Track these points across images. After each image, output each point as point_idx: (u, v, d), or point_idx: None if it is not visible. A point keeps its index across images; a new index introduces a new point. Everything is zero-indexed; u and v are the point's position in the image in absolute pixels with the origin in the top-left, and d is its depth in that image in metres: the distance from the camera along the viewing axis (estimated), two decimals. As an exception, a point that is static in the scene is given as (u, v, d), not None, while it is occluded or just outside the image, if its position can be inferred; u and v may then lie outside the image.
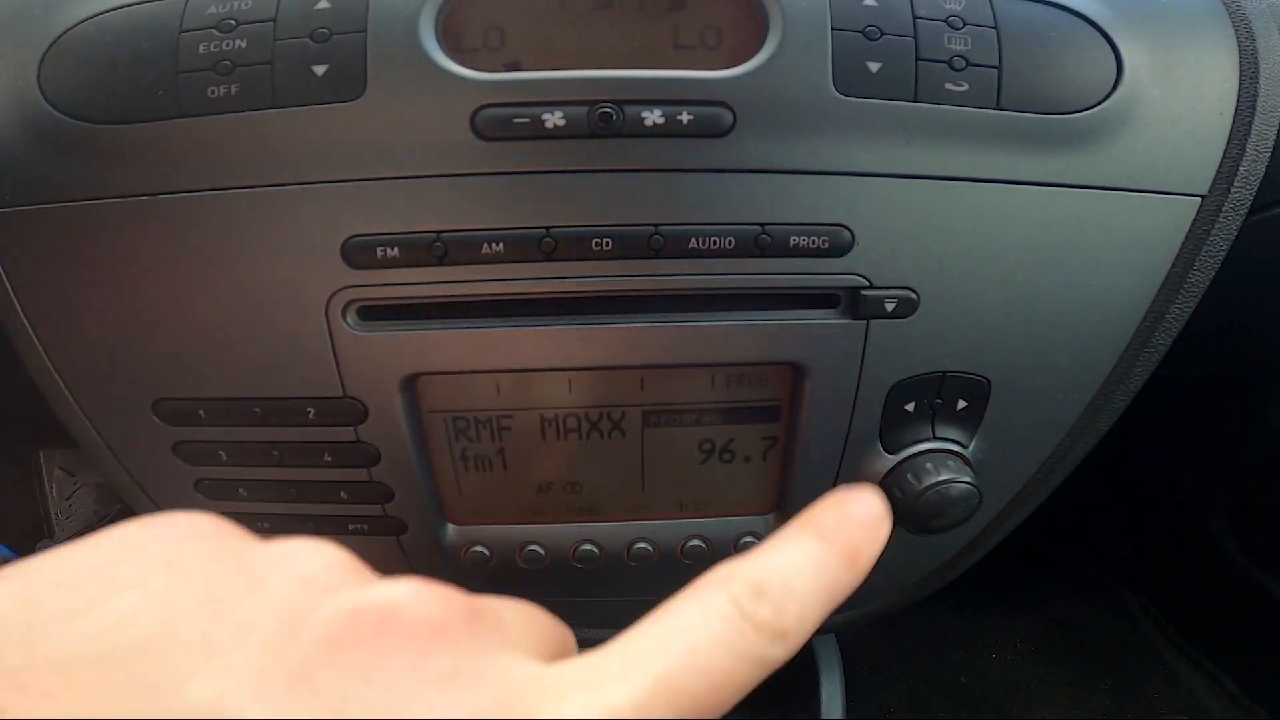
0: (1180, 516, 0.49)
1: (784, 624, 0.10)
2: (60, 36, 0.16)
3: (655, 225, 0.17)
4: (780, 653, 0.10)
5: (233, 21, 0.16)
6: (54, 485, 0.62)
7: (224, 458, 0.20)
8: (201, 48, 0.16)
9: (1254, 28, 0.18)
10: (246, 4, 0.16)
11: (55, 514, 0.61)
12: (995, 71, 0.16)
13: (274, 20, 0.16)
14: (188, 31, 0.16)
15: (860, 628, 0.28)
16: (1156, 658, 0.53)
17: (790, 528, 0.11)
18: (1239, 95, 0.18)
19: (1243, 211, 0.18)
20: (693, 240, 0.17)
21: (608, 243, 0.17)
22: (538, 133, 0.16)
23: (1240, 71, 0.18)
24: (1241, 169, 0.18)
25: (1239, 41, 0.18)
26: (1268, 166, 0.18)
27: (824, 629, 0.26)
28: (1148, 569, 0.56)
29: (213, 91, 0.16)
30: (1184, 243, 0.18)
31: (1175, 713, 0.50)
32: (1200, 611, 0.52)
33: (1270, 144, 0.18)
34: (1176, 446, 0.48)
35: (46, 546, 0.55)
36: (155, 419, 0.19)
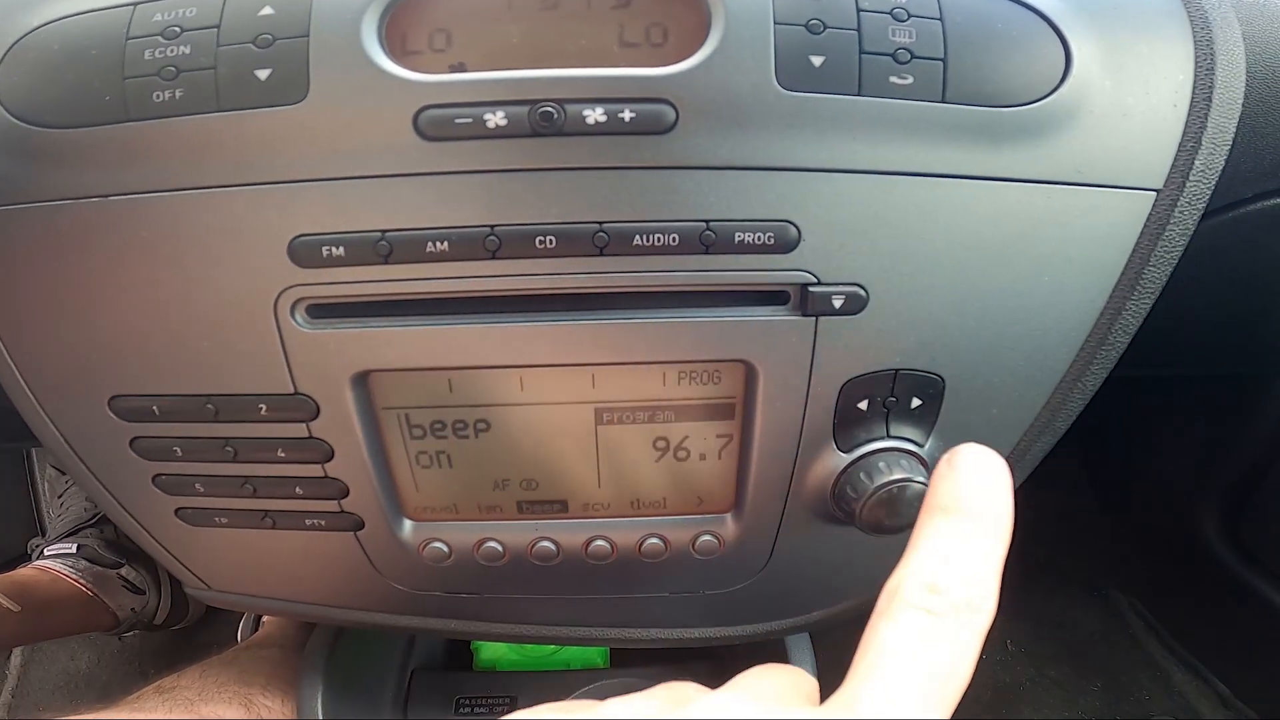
0: (1171, 518, 0.48)
1: (968, 598, 0.12)
2: (15, 44, 0.16)
3: (599, 223, 0.17)
4: (984, 618, 0.12)
5: (177, 29, 0.16)
6: (46, 483, 0.63)
7: (179, 454, 0.20)
8: (147, 54, 0.16)
9: (1210, 19, 0.18)
10: (191, 12, 0.16)
11: (47, 512, 0.62)
12: (940, 64, 0.16)
13: (218, 27, 0.16)
14: (134, 39, 0.16)
15: (837, 626, 0.28)
16: (1147, 659, 0.52)
17: (922, 519, 0.14)
18: (1194, 88, 0.18)
19: (1200, 206, 0.18)
20: (637, 238, 0.17)
21: (551, 241, 0.17)
22: (480, 132, 0.16)
23: (1196, 64, 0.18)
24: (1197, 163, 0.18)
25: (1195, 34, 0.18)
26: (1230, 165, 0.18)
27: (798, 627, 0.26)
28: (1138, 570, 0.55)
29: (158, 96, 0.16)
30: (1139, 238, 0.18)
31: (1165, 714, 0.50)
32: (1191, 613, 0.51)
33: (1228, 138, 0.18)
34: (1167, 447, 0.47)
35: (38, 545, 0.56)
36: (111, 415, 0.19)
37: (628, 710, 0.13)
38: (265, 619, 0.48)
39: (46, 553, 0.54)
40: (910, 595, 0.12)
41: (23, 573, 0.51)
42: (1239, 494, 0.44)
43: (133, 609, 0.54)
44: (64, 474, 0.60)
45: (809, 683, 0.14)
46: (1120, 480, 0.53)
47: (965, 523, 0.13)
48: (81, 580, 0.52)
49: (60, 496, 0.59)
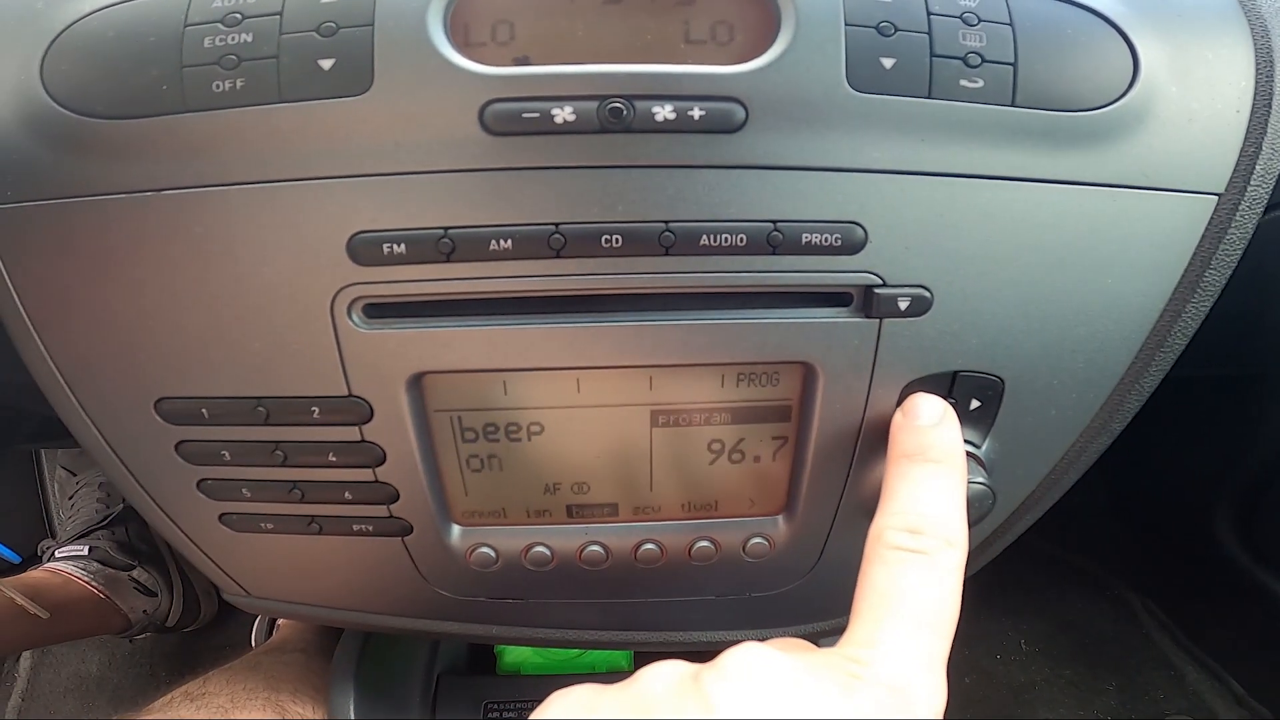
0: (1184, 518, 0.49)
1: (945, 536, 0.14)
2: (64, 31, 0.16)
3: (666, 222, 0.17)
4: (960, 551, 0.15)
5: (238, 15, 0.15)
6: (56, 485, 0.62)
7: (227, 458, 0.19)
8: (206, 42, 0.15)
9: (1270, 26, 0.18)
10: None
11: (58, 513, 0.61)
12: (1011, 68, 0.16)
13: (280, 14, 0.15)
14: (192, 26, 0.15)
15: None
16: (1161, 658, 0.53)
17: (891, 467, 0.17)
18: (1255, 93, 0.18)
19: (1259, 210, 0.18)
20: (704, 237, 0.17)
21: (618, 240, 0.17)
22: (547, 128, 0.16)
23: (1256, 70, 0.18)
24: (1258, 167, 0.18)
25: (1255, 40, 0.18)
26: (1278, 168, 0.18)
27: (842, 628, 0.26)
28: (1152, 570, 0.55)
29: (217, 86, 0.15)
30: (1200, 241, 0.18)
31: (1180, 713, 0.50)
32: (1204, 612, 0.52)
33: None
34: (1180, 447, 0.47)
35: (49, 546, 0.55)
36: (157, 418, 0.19)
37: (659, 672, 0.13)
38: (280, 621, 0.48)
39: (58, 555, 0.53)
40: (894, 539, 0.15)
41: (34, 575, 0.50)
42: (1252, 493, 0.44)
43: (144, 611, 0.53)
44: (74, 475, 0.59)
45: (806, 643, 0.16)
46: (1134, 480, 0.53)
47: (929, 468, 0.16)
48: (93, 582, 0.51)
49: (70, 498, 0.58)
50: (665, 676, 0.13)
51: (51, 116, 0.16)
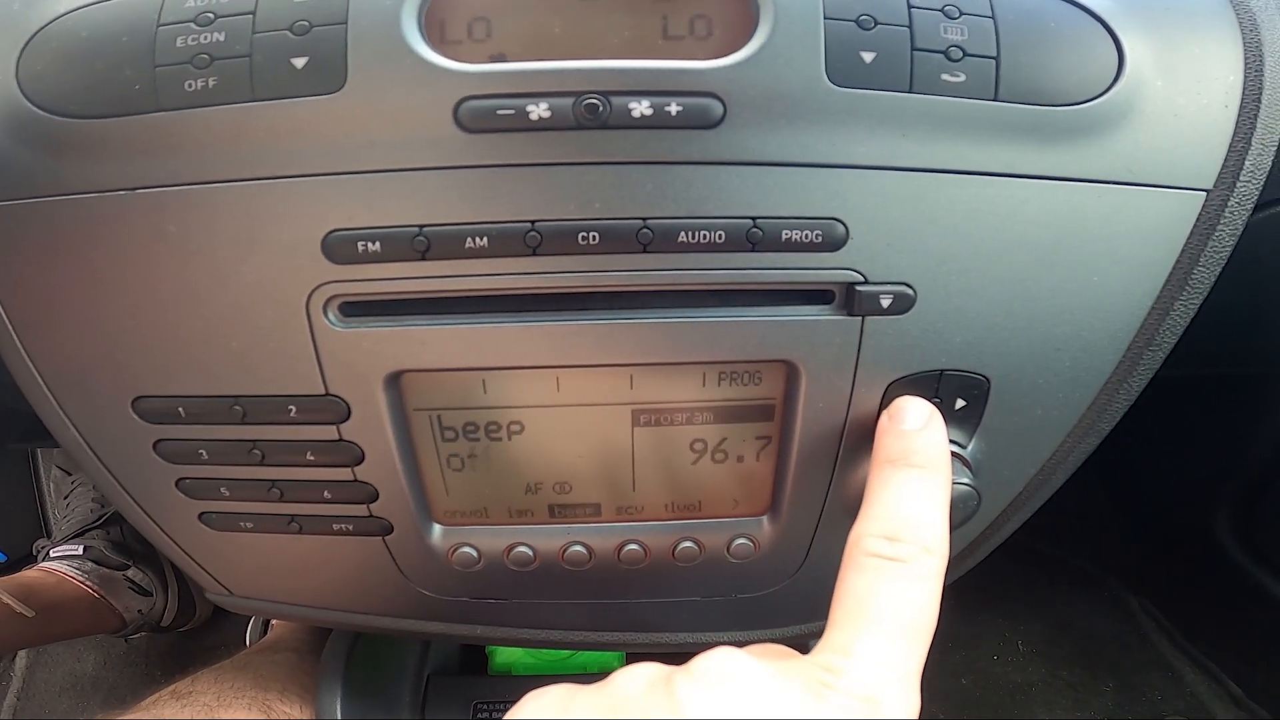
0: (1182, 518, 0.48)
1: (923, 543, 0.14)
2: (39, 31, 0.16)
3: (643, 219, 0.16)
4: (939, 559, 0.14)
5: (211, 15, 0.15)
6: (51, 484, 0.62)
7: (205, 456, 0.19)
8: (179, 41, 0.15)
9: (1258, 20, 0.18)
10: None
11: (53, 513, 0.61)
12: (993, 62, 0.16)
13: (253, 13, 0.15)
14: (165, 25, 0.15)
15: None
16: (1159, 659, 0.52)
17: (874, 472, 0.16)
18: (1244, 89, 0.17)
19: (1248, 207, 0.18)
20: (682, 234, 0.16)
21: (594, 237, 0.16)
22: (522, 124, 0.15)
23: (1245, 65, 0.17)
24: (1247, 163, 0.17)
25: (1243, 35, 0.17)
26: (1273, 161, 0.18)
27: (816, 633, 0.26)
28: (1150, 571, 0.55)
29: (190, 85, 0.15)
30: (1188, 238, 0.18)
31: (1177, 714, 0.50)
32: (1202, 613, 0.51)
33: (1276, 138, 0.18)
34: (1178, 447, 0.47)
35: (44, 546, 0.55)
36: (135, 417, 0.19)
37: (633, 674, 0.13)
38: (274, 621, 0.48)
39: (52, 554, 0.53)
40: (872, 546, 0.14)
41: (29, 575, 0.50)
42: (1251, 494, 0.44)
43: (139, 611, 0.53)
44: (69, 475, 0.60)
45: (787, 649, 0.15)
46: (1132, 480, 0.53)
47: (912, 473, 0.16)
48: (88, 582, 0.51)
49: (66, 498, 0.58)
50: (639, 677, 0.13)
51: (26, 117, 0.16)
